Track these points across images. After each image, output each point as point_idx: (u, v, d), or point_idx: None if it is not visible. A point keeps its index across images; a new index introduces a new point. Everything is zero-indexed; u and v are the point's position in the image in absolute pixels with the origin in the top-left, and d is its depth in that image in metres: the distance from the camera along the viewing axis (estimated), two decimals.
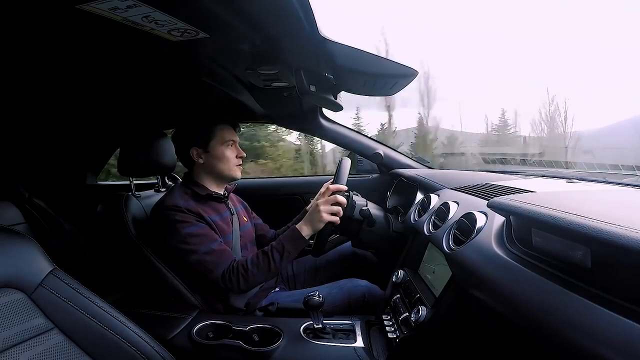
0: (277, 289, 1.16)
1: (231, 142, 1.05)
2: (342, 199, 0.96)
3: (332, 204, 0.95)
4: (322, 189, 1.01)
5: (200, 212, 0.96)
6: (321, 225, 0.94)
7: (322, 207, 0.94)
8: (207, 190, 1.03)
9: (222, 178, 1.08)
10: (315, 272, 1.28)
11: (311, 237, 0.98)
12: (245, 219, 1.18)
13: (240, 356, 0.79)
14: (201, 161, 1.04)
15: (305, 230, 0.95)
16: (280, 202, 1.74)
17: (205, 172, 1.06)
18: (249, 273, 0.91)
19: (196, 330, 0.85)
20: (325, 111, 1.55)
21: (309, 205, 0.99)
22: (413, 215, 1.06)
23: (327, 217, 0.94)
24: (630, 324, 0.33)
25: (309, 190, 1.67)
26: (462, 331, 0.68)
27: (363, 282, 1.08)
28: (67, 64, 0.87)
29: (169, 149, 1.15)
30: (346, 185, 1.01)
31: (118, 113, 1.45)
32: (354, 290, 1.04)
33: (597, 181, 0.91)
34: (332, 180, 1.02)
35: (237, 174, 1.07)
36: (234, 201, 1.20)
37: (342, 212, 0.96)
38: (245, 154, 1.10)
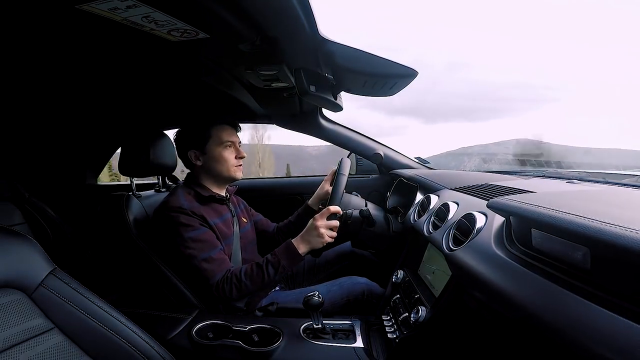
0: (277, 289, 1.16)
1: (228, 143, 1.05)
2: (336, 222, 0.97)
3: (330, 228, 0.95)
4: (320, 190, 1.01)
5: (203, 215, 0.96)
6: (321, 246, 0.95)
7: (322, 230, 0.94)
8: (209, 191, 1.04)
9: (222, 179, 1.08)
10: (315, 271, 1.29)
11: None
12: (245, 219, 1.18)
13: (240, 356, 0.79)
14: (199, 163, 1.04)
15: (302, 247, 0.95)
16: (280, 202, 1.75)
17: (205, 174, 1.06)
18: (241, 284, 0.92)
19: (196, 330, 0.85)
20: (325, 111, 1.56)
21: (309, 223, 0.98)
22: (413, 215, 1.06)
23: (328, 239, 0.95)
24: (630, 324, 0.33)
25: (308, 190, 1.67)
26: (461, 331, 0.68)
27: (363, 280, 1.08)
28: (68, 64, 0.87)
29: (169, 149, 1.16)
30: (346, 187, 1.02)
31: (119, 113, 1.45)
32: (354, 287, 1.04)
33: (597, 181, 0.91)
34: (331, 179, 1.02)
35: (237, 174, 1.07)
36: (234, 202, 1.20)
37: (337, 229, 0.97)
38: (245, 155, 1.09)
